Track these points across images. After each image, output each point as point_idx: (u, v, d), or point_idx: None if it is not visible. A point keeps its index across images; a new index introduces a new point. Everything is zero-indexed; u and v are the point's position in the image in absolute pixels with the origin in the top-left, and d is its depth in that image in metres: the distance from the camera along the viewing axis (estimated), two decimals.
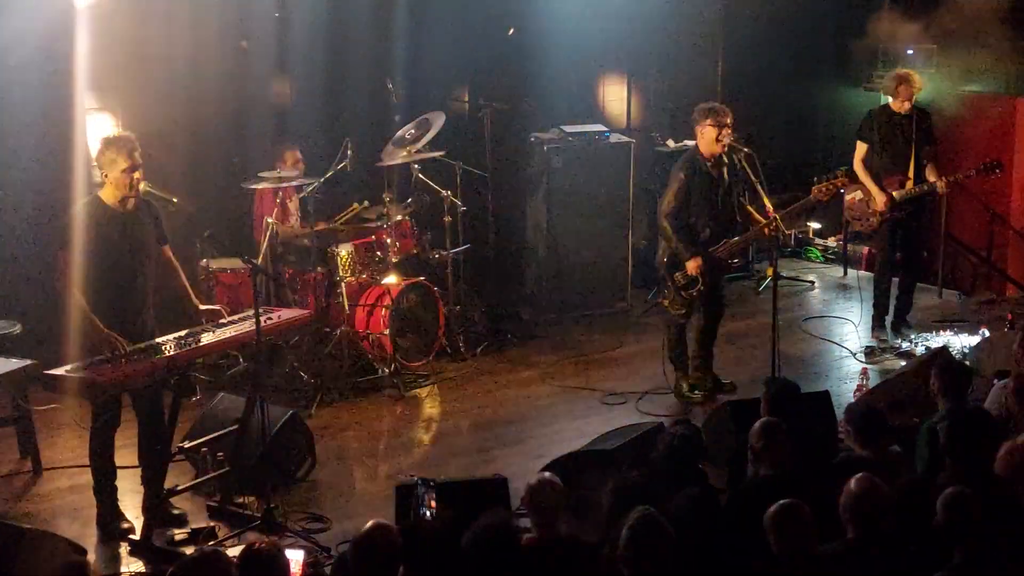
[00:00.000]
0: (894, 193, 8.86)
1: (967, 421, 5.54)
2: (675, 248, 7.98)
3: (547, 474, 5.38)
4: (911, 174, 8.86)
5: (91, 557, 5.82)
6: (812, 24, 11.75)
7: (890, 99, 9.01)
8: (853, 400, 7.70)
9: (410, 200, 9.23)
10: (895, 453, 6.02)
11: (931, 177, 8.87)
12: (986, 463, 5.41)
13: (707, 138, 7.95)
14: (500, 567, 4.57)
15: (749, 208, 8.17)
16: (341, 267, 8.58)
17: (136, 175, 6.23)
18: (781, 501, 4.69)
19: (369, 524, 4.56)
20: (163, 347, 6.15)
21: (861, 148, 9.06)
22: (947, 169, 9.09)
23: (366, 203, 9.08)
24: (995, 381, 6.74)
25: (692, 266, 7.92)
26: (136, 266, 6.35)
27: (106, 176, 6.27)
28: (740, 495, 5.55)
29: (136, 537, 6.31)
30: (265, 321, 6.42)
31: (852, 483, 4.84)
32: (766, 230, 7.88)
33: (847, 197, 9.24)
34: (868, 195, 9.01)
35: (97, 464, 6.51)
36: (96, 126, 9.08)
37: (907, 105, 8.88)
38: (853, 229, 9.83)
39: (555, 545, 4.99)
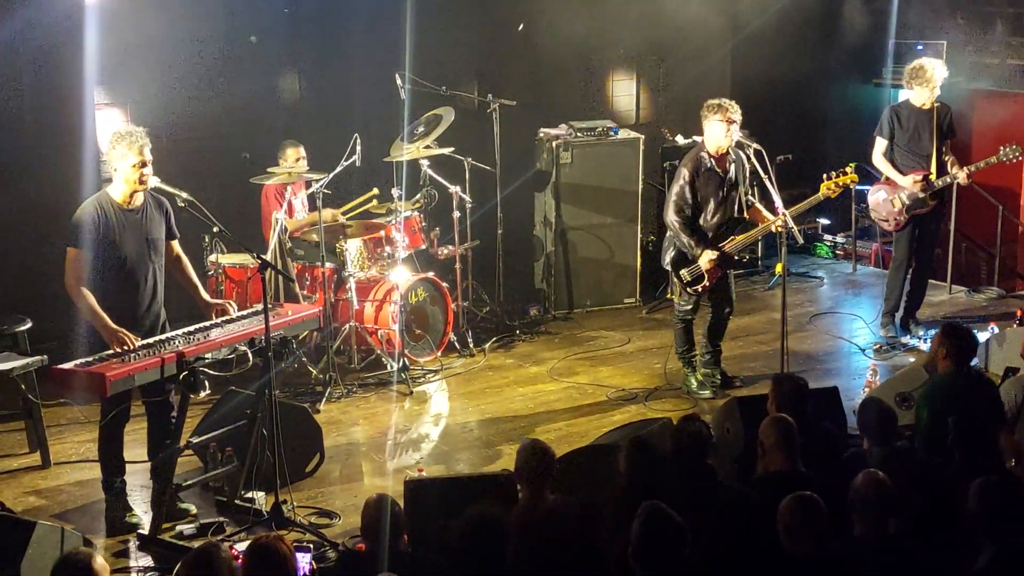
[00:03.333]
0: (920, 184, 8.78)
1: (973, 416, 5.54)
2: (683, 244, 7.97)
3: (533, 439, 5.51)
4: (933, 168, 8.80)
5: (100, 551, 5.82)
6: (822, 20, 11.71)
7: (912, 94, 8.91)
8: (862, 397, 7.69)
9: (419, 196, 9.24)
10: (904, 449, 6.02)
11: (952, 170, 8.81)
12: (995, 454, 5.42)
13: (714, 134, 7.93)
14: (489, 560, 4.57)
15: (757, 205, 8.16)
16: (350, 262, 8.59)
17: (145, 171, 6.23)
18: (796, 493, 4.67)
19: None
20: (172, 342, 6.16)
21: (880, 144, 8.97)
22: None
23: (376, 191, 9.12)
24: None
25: (705, 261, 7.90)
26: (145, 261, 6.35)
27: (115, 171, 6.28)
28: (747, 493, 5.54)
29: (145, 531, 6.31)
30: (274, 317, 6.43)
31: (859, 479, 4.84)
32: (775, 227, 7.87)
33: (871, 199, 9.18)
34: (893, 192, 8.95)
35: (106, 458, 6.53)
36: (105, 121, 9.10)
37: (929, 100, 8.80)
38: (880, 229, 9.80)
39: (544, 511, 5.00)
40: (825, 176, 7.99)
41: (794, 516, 4.61)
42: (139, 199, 6.33)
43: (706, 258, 7.91)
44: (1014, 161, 8.85)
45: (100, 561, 4.37)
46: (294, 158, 8.91)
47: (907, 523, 4.98)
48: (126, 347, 5.99)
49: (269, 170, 8.60)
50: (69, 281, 6.17)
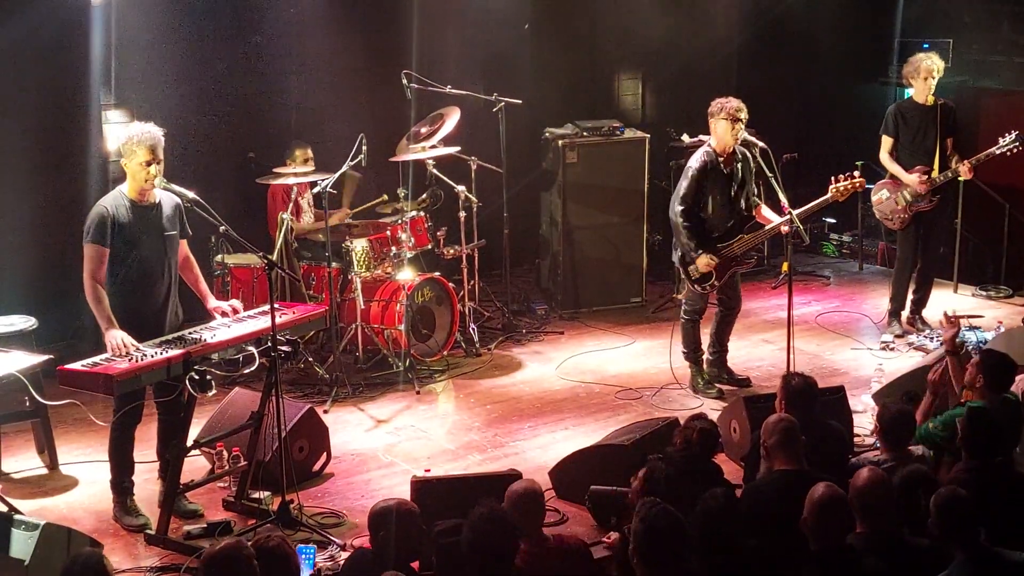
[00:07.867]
0: (925, 182, 8.80)
1: (988, 417, 5.52)
2: (683, 245, 7.97)
3: (526, 481, 5.41)
4: (936, 165, 8.83)
5: (108, 551, 5.83)
6: (827, 18, 11.70)
7: (912, 91, 8.95)
8: (869, 395, 7.69)
9: (425, 196, 9.24)
10: (916, 453, 6.01)
11: (955, 165, 8.82)
12: (1004, 457, 5.41)
13: (721, 133, 7.92)
14: (500, 556, 4.58)
15: (761, 205, 8.15)
16: (356, 262, 8.59)
17: (152, 169, 6.24)
18: (826, 492, 4.67)
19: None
20: (179, 342, 6.16)
21: (887, 142, 9.01)
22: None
23: (385, 196, 9.13)
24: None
25: (701, 263, 7.91)
26: (161, 258, 6.37)
27: (126, 166, 6.30)
28: (752, 491, 5.54)
29: (152, 531, 6.32)
30: (280, 316, 6.43)
31: (860, 477, 4.84)
32: (783, 228, 7.86)
33: (874, 197, 9.20)
34: (896, 191, 8.95)
35: (116, 458, 6.52)
36: (111, 121, 9.12)
37: (928, 94, 8.83)
38: (885, 228, 9.81)
39: (545, 552, 5.00)
40: (833, 178, 7.97)
41: (819, 514, 4.61)
42: (154, 196, 6.36)
43: (703, 262, 7.91)
44: (1015, 150, 8.86)
45: (110, 562, 4.38)
46: (302, 159, 8.93)
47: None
48: (121, 352, 5.98)
49: (275, 170, 8.62)
50: (86, 278, 6.20)
